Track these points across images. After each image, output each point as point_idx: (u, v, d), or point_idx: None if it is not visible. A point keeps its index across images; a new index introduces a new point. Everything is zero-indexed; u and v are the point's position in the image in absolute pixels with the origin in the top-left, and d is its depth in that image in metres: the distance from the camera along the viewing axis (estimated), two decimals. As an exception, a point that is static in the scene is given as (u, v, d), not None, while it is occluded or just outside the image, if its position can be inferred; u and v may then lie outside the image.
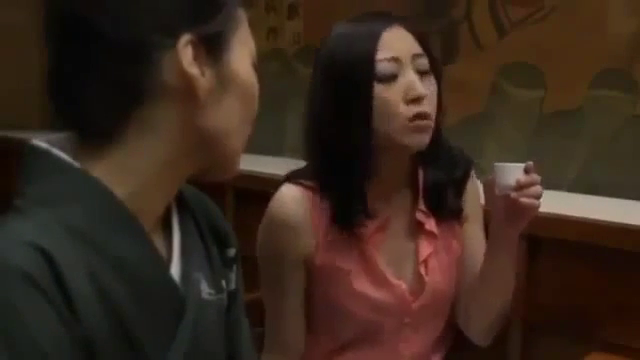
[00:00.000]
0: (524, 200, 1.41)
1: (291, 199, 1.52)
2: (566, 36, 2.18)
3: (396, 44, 1.44)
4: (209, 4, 0.95)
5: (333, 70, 1.46)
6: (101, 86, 0.93)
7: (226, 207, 2.40)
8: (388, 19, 1.47)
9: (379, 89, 1.43)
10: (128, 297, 0.92)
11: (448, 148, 1.57)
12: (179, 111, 0.94)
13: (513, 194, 1.41)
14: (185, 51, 0.92)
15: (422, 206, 1.55)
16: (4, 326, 0.84)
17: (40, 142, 0.96)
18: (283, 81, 2.81)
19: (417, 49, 1.46)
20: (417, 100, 1.43)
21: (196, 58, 0.93)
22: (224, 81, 0.96)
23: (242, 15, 1.00)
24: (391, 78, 1.43)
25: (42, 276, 0.86)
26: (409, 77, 1.44)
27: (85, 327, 0.88)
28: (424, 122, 1.45)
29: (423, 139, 1.46)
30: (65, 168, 0.94)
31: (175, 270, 1.00)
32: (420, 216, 1.55)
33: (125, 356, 0.92)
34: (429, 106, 1.45)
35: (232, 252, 1.13)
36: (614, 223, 1.78)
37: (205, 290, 1.04)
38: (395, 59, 1.43)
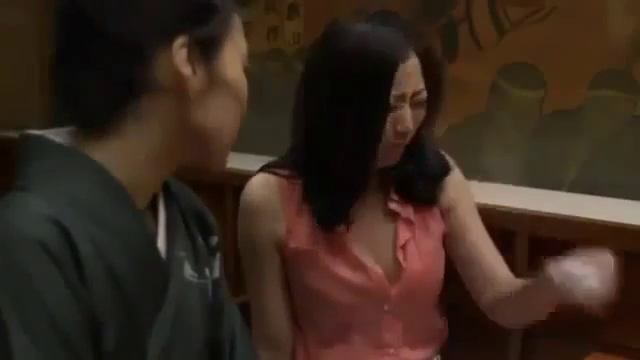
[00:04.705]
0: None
1: (258, 185, 1.57)
2: (566, 36, 2.18)
3: (406, 81, 1.47)
4: (205, 8, 0.99)
5: (344, 87, 1.47)
6: (101, 81, 0.97)
7: (226, 207, 2.40)
8: (406, 46, 1.47)
9: (387, 117, 1.48)
10: (126, 268, 0.96)
11: (424, 149, 1.60)
12: (171, 107, 0.98)
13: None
14: (180, 52, 0.97)
15: (394, 195, 1.59)
16: (19, 295, 0.87)
17: (33, 131, 1.01)
18: (283, 81, 2.80)
19: (420, 85, 1.50)
20: (402, 134, 1.50)
21: (189, 59, 0.97)
22: (215, 81, 1.00)
23: (236, 19, 1.04)
24: (391, 110, 1.48)
25: (58, 247, 0.90)
26: (403, 111, 1.48)
27: (93, 297, 0.92)
28: (400, 145, 1.52)
29: (394, 158, 1.54)
30: (61, 149, 0.99)
31: (161, 247, 1.04)
32: (394, 206, 1.59)
33: (124, 325, 0.96)
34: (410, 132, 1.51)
35: (215, 240, 1.18)
36: (614, 223, 1.78)
37: (188, 272, 1.07)
38: (400, 96, 1.47)
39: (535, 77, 2.24)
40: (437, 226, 1.62)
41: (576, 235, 1.79)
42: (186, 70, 0.97)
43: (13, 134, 3.14)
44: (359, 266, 1.55)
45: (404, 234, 1.58)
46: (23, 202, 0.93)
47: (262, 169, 1.61)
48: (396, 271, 1.57)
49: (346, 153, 1.49)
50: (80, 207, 0.94)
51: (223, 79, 1.01)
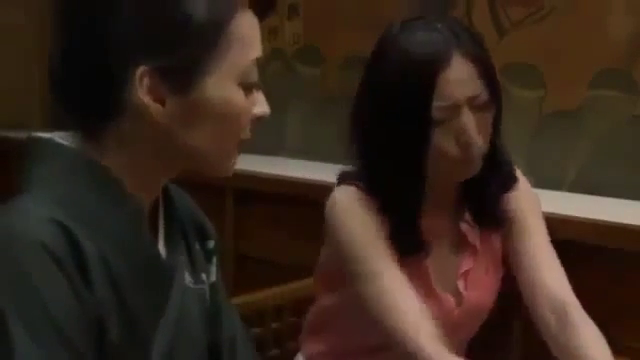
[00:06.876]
0: None
1: (350, 198, 1.45)
2: (566, 36, 2.18)
3: (454, 89, 1.34)
4: (173, 36, 0.94)
5: (385, 99, 1.38)
6: (84, 97, 0.97)
7: (226, 208, 2.40)
8: (447, 53, 1.34)
9: (431, 132, 1.36)
10: (126, 270, 0.97)
11: (494, 161, 1.47)
12: (147, 128, 0.97)
13: None
14: (141, 81, 0.94)
15: (467, 217, 1.50)
16: (20, 294, 0.88)
17: (41, 133, 1.01)
18: (283, 81, 2.81)
19: (475, 89, 1.35)
20: (467, 146, 1.37)
21: (153, 88, 0.94)
22: (193, 108, 0.97)
23: (236, 36, 0.98)
24: (445, 122, 1.35)
25: (61, 249, 0.90)
26: (463, 120, 1.35)
27: (97, 298, 0.93)
28: (473, 156, 1.39)
29: (470, 171, 1.42)
30: (66, 151, 0.99)
31: (161, 253, 1.04)
32: (464, 227, 1.50)
33: (126, 325, 0.96)
34: (480, 141, 1.38)
35: (211, 244, 1.17)
36: (614, 223, 1.78)
37: (186, 278, 1.08)
38: (452, 107, 1.34)
39: (535, 77, 2.24)
40: (498, 250, 1.53)
41: (576, 235, 1.80)
42: (147, 100, 0.94)
43: (13, 134, 3.14)
44: (432, 294, 1.46)
45: (467, 261, 1.50)
46: (26, 204, 0.94)
47: (345, 181, 1.47)
48: (458, 298, 1.50)
49: (390, 172, 1.41)
50: (81, 209, 0.95)
51: (204, 105, 0.96)
